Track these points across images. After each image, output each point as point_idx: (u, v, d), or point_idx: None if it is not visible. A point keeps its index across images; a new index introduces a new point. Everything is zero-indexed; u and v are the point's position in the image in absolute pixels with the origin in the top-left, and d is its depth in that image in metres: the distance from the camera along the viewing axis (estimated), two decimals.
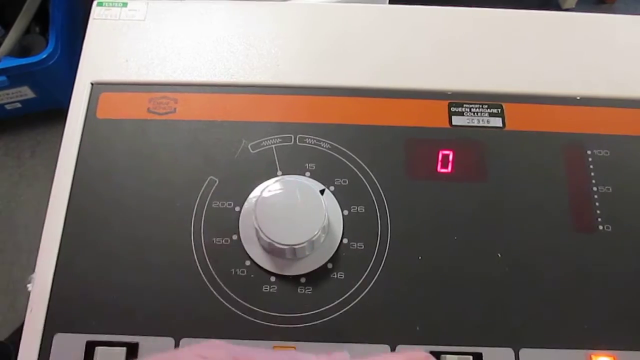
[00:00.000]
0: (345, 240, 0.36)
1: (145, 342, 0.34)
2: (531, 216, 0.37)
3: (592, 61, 0.42)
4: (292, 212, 0.34)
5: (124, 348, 0.34)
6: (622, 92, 0.41)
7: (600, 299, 0.36)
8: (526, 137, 0.39)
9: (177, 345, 0.34)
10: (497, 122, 0.40)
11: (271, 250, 0.35)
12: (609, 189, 0.38)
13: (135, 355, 0.34)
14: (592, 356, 0.34)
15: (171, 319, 0.35)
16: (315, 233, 0.34)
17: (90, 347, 0.34)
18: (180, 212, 0.37)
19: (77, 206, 0.37)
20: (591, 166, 0.39)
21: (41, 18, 1.00)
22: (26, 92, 1.00)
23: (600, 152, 0.39)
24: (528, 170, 0.38)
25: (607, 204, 0.38)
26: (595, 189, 0.38)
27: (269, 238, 0.33)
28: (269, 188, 0.35)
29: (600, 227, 0.37)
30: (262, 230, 0.34)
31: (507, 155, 0.39)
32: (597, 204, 0.38)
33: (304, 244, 0.33)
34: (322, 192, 0.37)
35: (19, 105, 1.03)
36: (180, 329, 0.34)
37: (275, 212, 0.34)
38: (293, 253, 0.34)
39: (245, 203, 0.37)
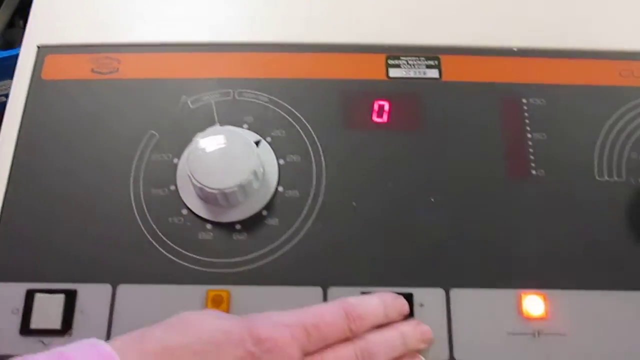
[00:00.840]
0: (280, 188, 0.37)
1: (83, 289, 0.35)
2: (465, 162, 0.38)
3: (530, 13, 0.42)
4: (222, 158, 0.35)
5: (62, 295, 0.34)
6: (559, 43, 0.41)
7: (531, 241, 0.36)
8: (462, 88, 0.40)
9: (114, 291, 0.35)
10: (433, 73, 0.40)
11: (205, 197, 0.36)
12: (543, 136, 0.39)
13: (74, 301, 0.34)
14: (522, 295, 0.35)
15: (109, 266, 0.35)
16: (245, 177, 0.34)
17: (29, 295, 0.34)
18: (120, 165, 0.38)
19: (20, 160, 0.38)
20: (526, 114, 0.39)
21: (24, 12, 1.01)
22: (10, 86, 1.02)
23: (535, 101, 0.40)
24: (463, 119, 0.39)
25: (541, 150, 0.38)
26: (529, 135, 0.39)
27: (200, 183, 0.34)
28: (202, 136, 0.35)
29: (534, 172, 0.38)
30: (193, 176, 0.34)
31: (443, 104, 0.39)
32: (531, 150, 0.38)
33: (234, 189, 0.34)
34: (257, 143, 0.38)
35: (4, 99, 1.05)
36: (117, 276, 0.35)
37: (206, 159, 0.35)
38: (225, 199, 0.35)
39: (182, 155, 0.37)
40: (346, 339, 0.30)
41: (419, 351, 0.33)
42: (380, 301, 0.33)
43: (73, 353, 0.25)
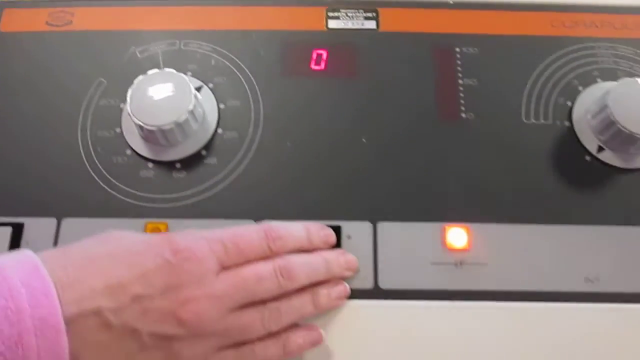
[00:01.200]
0: (220, 131, 0.39)
1: (29, 222, 0.37)
2: (397, 106, 0.40)
3: None
4: (161, 98, 0.36)
5: (10, 227, 0.36)
6: None
7: (458, 178, 0.38)
8: (398, 37, 0.42)
9: (59, 224, 0.37)
10: (371, 24, 0.42)
11: (146, 136, 0.38)
12: (474, 82, 0.40)
13: (20, 233, 0.36)
14: (447, 227, 0.37)
15: (55, 202, 0.37)
16: (181, 116, 0.36)
17: None
18: (69, 109, 0.40)
19: None
20: (459, 62, 0.41)
21: None
22: None
23: (468, 50, 0.41)
24: (398, 66, 0.41)
25: (471, 95, 0.40)
26: (461, 82, 0.40)
27: (140, 121, 0.36)
28: (143, 78, 0.37)
29: (464, 115, 0.39)
30: (133, 115, 0.36)
31: (379, 53, 0.41)
32: (461, 95, 0.40)
33: (171, 126, 0.36)
34: (199, 88, 0.40)
35: None
36: (63, 211, 0.37)
37: (146, 98, 0.37)
38: (164, 137, 0.37)
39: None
40: (266, 258, 0.32)
41: (345, 280, 0.35)
42: (303, 227, 0.34)
43: (3, 261, 0.27)
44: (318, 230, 0.35)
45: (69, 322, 0.26)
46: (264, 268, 0.31)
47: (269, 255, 0.32)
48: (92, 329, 0.27)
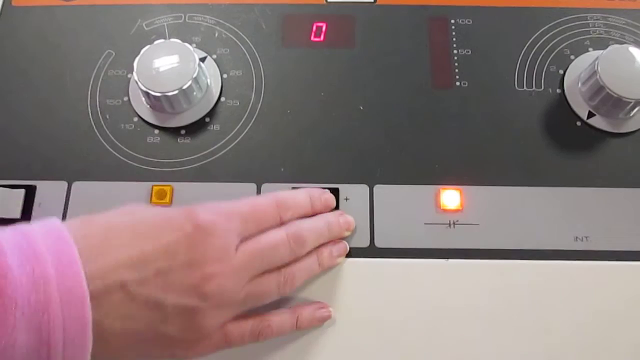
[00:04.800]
0: (223, 99, 0.41)
1: (41, 185, 0.39)
2: (393, 75, 0.41)
3: None
4: (166, 66, 0.38)
5: (23, 190, 0.38)
6: None
7: (452, 143, 0.39)
8: (394, 10, 0.43)
9: (69, 187, 0.39)
10: None
11: (152, 104, 0.39)
12: (468, 52, 0.42)
13: (33, 195, 0.38)
14: (441, 190, 0.38)
15: (66, 166, 0.39)
16: (186, 83, 0.38)
17: None
18: (79, 80, 0.41)
19: None
20: (453, 33, 0.42)
21: None
22: None
23: (462, 21, 0.43)
24: (394, 38, 0.42)
25: (465, 64, 0.41)
26: (455, 52, 0.42)
27: (146, 88, 0.38)
28: (149, 47, 0.39)
29: (457, 84, 0.41)
30: (140, 82, 0.38)
31: (376, 25, 0.43)
32: (456, 64, 0.41)
33: (176, 92, 0.38)
34: (204, 59, 0.41)
35: None
36: (73, 174, 0.39)
37: (152, 66, 0.38)
38: (170, 104, 0.38)
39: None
40: (277, 226, 0.33)
41: (343, 239, 0.37)
42: (307, 194, 0.36)
43: (30, 227, 0.28)
44: (319, 195, 0.36)
45: (95, 296, 0.26)
46: (278, 236, 0.33)
47: (279, 223, 0.34)
48: (116, 302, 0.27)
